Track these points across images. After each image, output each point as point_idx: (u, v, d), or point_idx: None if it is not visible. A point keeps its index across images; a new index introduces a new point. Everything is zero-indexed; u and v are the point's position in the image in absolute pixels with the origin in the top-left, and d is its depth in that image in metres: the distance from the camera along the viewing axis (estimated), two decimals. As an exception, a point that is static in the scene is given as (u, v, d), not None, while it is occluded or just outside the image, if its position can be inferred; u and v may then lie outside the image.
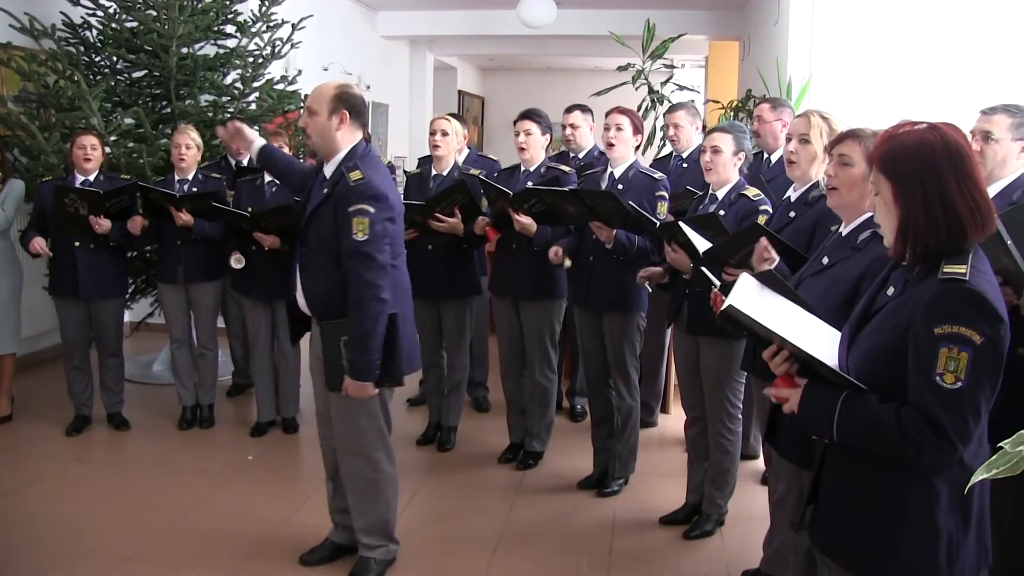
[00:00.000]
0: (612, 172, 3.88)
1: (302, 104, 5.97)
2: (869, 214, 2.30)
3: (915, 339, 1.68)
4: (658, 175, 3.85)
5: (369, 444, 3.13)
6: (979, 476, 1.42)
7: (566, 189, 3.79)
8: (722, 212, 3.35)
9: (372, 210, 2.86)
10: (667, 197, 3.80)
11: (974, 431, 1.66)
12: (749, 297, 1.93)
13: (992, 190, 2.84)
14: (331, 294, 2.98)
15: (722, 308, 1.87)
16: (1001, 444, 1.44)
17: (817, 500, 1.96)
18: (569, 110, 5.02)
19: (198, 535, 3.63)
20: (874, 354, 1.77)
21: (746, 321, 1.85)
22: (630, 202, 3.55)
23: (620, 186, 3.81)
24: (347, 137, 3.00)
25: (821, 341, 1.90)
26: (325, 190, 2.99)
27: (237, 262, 4.57)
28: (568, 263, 3.91)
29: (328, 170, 3.03)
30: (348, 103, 2.98)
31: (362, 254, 2.86)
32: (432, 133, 4.38)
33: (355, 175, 2.90)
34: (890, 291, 1.83)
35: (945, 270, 1.67)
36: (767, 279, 2.05)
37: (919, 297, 1.70)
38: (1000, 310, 1.65)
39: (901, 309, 1.74)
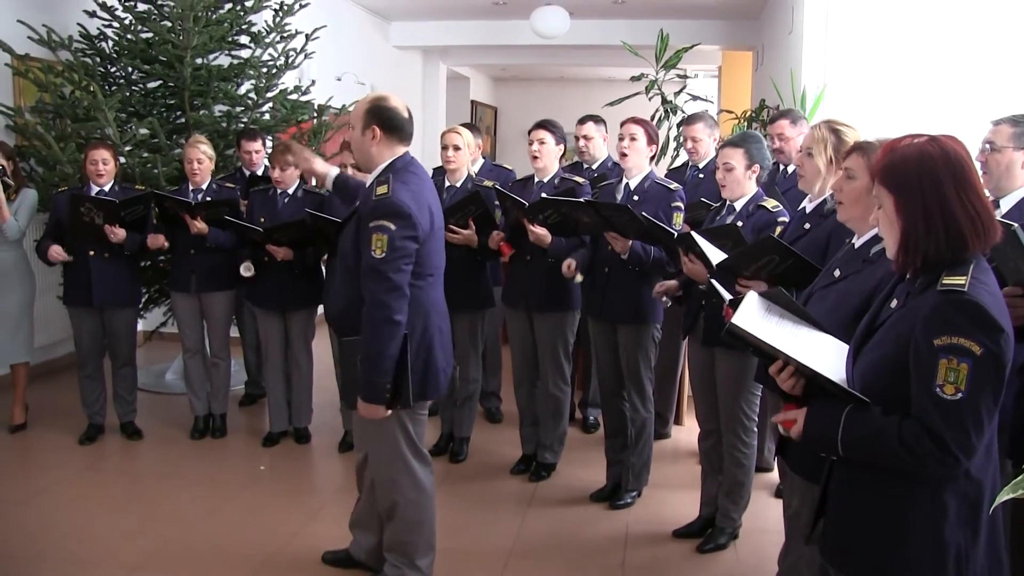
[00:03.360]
0: (628, 183, 3.86)
1: (315, 114, 6.01)
2: None
3: (915, 351, 1.68)
4: (674, 186, 3.83)
5: (389, 467, 3.06)
6: (1004, 497, 1.40)
7: (581, 200, 3.77)
8: (740, 223, 3.33)
9: (392, 227, 2.74)
10: (683, 208, 3.79)
11: (977, 443, 1.65)
12: (755, 315, 1.94)
13: (1007, 203, 2.82)
14: (349, 309, 2.89)
15: (726, 326, 1.88)
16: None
17: (825, 513, 1.95)
18: (582, 121, 5.00)
19: (209, 545, 3.62)
20: (877, 367, 1.77)
21: (750, 339, 1.87)
22: (643, 214, 3.54)
23: (636, 197, 3.79)
24: (384, 152, 2.92)
25: (828, 356, 1.90)
26: (358, 202, 2.95)
27: (247, 270, 4.57)
28: (580, 278, 3.89)
29: (368, 182, 3.00)
30: (380, 118, 2.90)
31: (377, 272, 2.75)
32: (444, 148, 4.35)
33: (381, 189, 2.80)
34: (893, 304, 1.83)
35: (944, 282, 1.68)
36: (775, 296, 2.04)
37: (919, 309, 1.70)
38: (1001, 321, 1.65)
39: (902, 322, 1.74)
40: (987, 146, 2.84)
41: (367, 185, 2.99)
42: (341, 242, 2.99)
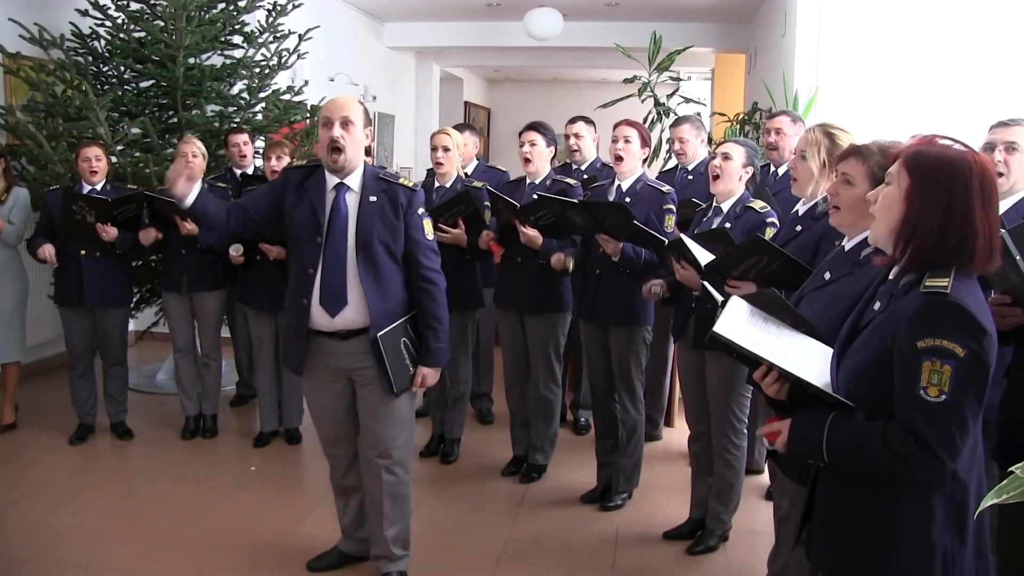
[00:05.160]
0: (620, 185, 3.87)
1: (308, 115, 6.00)
2: None
3: (899, 353, 1.68)
4: (666, 188, 3.85)
5: (405, 450, 3.21)
6: (989, 501, 1.40)
7: (575, 200, 3.78)
8: (728, 225, 3.35)
9: (427, 212, 3.16)
10: (675, 211, 3.80)
11: (961, 444, 1.66)
12: (739, 320, 1.94)
13: (1005, 204, 2.82)
14: (400, 297, 3.09)
15: (709, 333, 1.88)
16: (1012, 468, 1.42)
17: (812, 516, 1.95)
18: (572, 121, 5.00)
19: (201, 546, 3.62)
20: (861, 370, 1.77)
21: (733, 345, 1.87)
22: (634, 221, 3.55)
23: (628, 199, 3.80)
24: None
25: (812, 361, 1.90)
26: (373, 198, 3.00)
27: (235, 250, 4.56)
28: (571, 264, 3.89)
29: (353, 181, 3.02)
30: (369, 120, 3.11)
31: (435, 251, 3.14)
32: (433, 149, 4.36)
33: (408, 182, 3.10)
34: (876, 306, 1.83)
35: (927, 283, 1.68)
36: (767, 297, 2.04)
37: (902, 311, 1.70)
38: (984, 322, 1.65)
39: (886, 324, 1.75)
40: (1006, 147, 2.82)
41: (353, 183, 3.02)
42: (378, 236, 2.99)
